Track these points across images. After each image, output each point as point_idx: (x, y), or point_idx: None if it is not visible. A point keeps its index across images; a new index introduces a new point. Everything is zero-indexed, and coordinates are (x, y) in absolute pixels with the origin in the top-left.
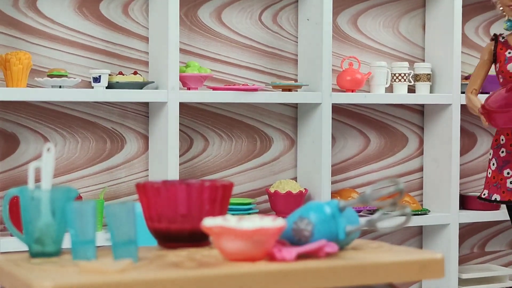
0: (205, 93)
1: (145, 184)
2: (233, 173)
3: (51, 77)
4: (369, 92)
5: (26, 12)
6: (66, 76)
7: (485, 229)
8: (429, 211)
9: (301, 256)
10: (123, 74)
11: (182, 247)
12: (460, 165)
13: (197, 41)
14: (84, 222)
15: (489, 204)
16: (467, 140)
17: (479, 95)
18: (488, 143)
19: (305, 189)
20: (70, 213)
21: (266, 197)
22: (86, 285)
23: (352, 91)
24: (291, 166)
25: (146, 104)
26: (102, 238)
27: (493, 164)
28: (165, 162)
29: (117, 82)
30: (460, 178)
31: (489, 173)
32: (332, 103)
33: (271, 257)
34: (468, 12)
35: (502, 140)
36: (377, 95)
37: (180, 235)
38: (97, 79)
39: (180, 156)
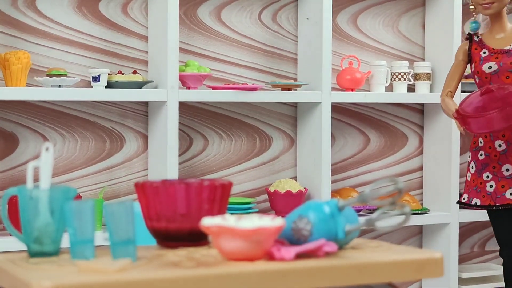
0: (205, 93)
1: (144, 184)
2: (233, 173)
3: (51, 77)
4: (369, 91)
5: (25, 11)
6: (65, 75)
7: (485, 229)
8: (429, 210)
9: (300, 256)
10: (123, 74)
11: (181, 247)
12: (460, 164)
13: (196, 40)
14: (82, 222)
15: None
16: (467, 139)
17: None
18: None
19: (304, 188)
20: (69, 213)
21: (265, 196)
22: (85, 284)
23: (352, 90)
24: (291, 165)
25: (145, 104)
26: (101, 237)
27: (472, 167)
28: (165, 161)
29: (117, 81)
30: (460, 177)
31: (469, 176)
32: (332, 102)
33: (270, 257)
34: (468, 11)
35: (481, 142)
36: (377, 94)
37: (179, 234)
38: (96, 79)
39: (179, 155)
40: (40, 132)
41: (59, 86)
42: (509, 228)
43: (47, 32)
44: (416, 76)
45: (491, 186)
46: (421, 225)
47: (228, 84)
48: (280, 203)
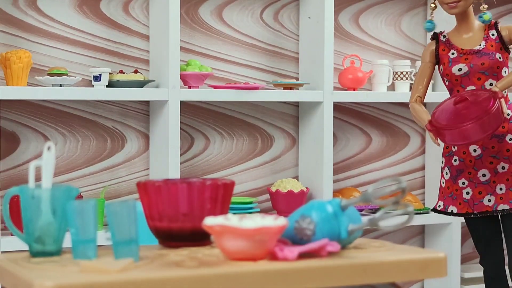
0: (206, 92)
1: (146, 183)
2: (234, 172)
3: (52, 76)
4: (370, 90)
5: (26, 10)
6: (66, 74)
7: None
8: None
9: (303, 255)
10: (124, 73)
11: (183, 246)
12: None
13: (198, 40)
14: (84, 221)
15: None
16: None
17: None
18: None
19: (306, 188)
20: (71, 212)
21: (267, 196)
22: (86, 284)
23: (354, 90)
24: (293, 165)
25: (146, 103)
26: (103, 237)
27: (446, 173)
28: (166, 161)
29: (118, 80)
30: None
31: (443, 183)
32: (334, 102)
33: (272, 256)
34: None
35: (454, 147)
36: (378, 94)
37: (181, 234)
38: (97, 78)
39: (181, 155)
40: (41, 132)
41: (60, 85)
42: (489, 236)
43: (48, 31)
44: None
45: (467, 193)
46: (423, 225)
47: (230, 84)
48: (282, 202)
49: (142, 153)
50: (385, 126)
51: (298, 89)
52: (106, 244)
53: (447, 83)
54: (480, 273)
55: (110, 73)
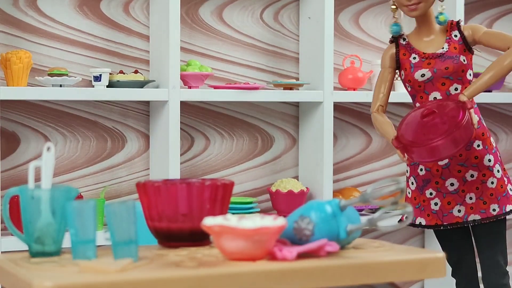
0: (206, 92)
1: (146, 183)
2: (235, 172)
3: (52, 76)
4: (370, 90)
5: (27, 11)
6: (66, 75)
7: None
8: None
9: (302, 256)
10: (124, 73)
11: (183, 247)
12: None
13: (198, 40)
14: (84, 222)
15: None
16: None
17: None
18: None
19: (306, 188)
20: (70, 213)
21: (267, 196)
22: (86, 284)
23: (354, 90)
24: (293, 165)
25: (147, 103)
26: (102, 237)
27: (412, 184)
28: (166, 161)
29: (118, 81)
30: None
31: (409, 193)
32: (334, 102)
33: (271, 257)
34: (471, 10)
35: None
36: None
37: (181, 234)
38: (97, 78)
39: (181, 155)
40: (42, 132)
41: (60, 85)
42: (460, 248)
43: (48, 32)
44: None
45: (436, 204)
46: None
47: (230, 84)
48: (282, 202)
49: (142, 153)
50: None
51: (298, 89)
52: (105, 244)
53: (409, 89)
54: (480, 273)
55: (110, 74)
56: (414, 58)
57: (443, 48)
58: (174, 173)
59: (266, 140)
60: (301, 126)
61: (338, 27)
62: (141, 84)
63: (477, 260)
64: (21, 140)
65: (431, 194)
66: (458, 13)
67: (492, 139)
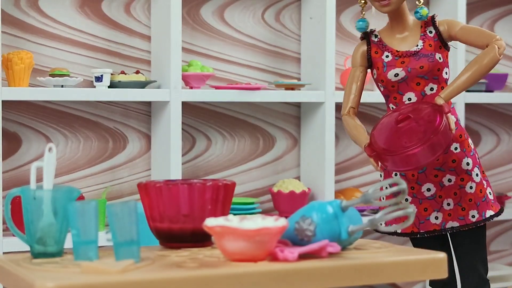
0: (208, 92)
1: (147, 184)
2: (236, 173)
3: (53, 77)
4: (372, 90)
5: (28, 11)
6: (68, 75)
7: (489, 228)
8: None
9: (303, 256)
10: (125, 73)
11: (184, 247)
12: None
13: (199, 40)
14: (86, 222)
15: None
16: (472, 138)
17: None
18: (493, 141)
19: (308, 188)
20: (72, 213)
21: (269, 196)
22: (88, 285)
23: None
24: (294, 165)
25: (148, 104)
26: (104, 238)
27: (386, 188)
28: (168, 161)
29: (119, 81)
30: None
31: (383, 198)
32: (336, 102)
33: (273, 257)
34: (472, 10)
35: None
36: (380, 94)
37: (182, 235)
38: (99, 79)
39: (182, 155)
40: (43, 132)
41: (62, 86)
42: None
43: (49, 32)
44: None
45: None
46: None
47: (231, 84)
48: (284, 203)
49: (144, 154)
50: None
51: (299, 90)
52: (107, 245)
53: (382, 89)
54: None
55: (111, 74)
56: (387, 56)
57: (417, 45)
58: (176, 174)
59: (267, 141)
60: (303, 126)
61: (339, 27)
62: (142, 85)
63: (456, 269)
64: (22, 141)
65: (406, 200)
66: (459, 14)
67: (470, 141)
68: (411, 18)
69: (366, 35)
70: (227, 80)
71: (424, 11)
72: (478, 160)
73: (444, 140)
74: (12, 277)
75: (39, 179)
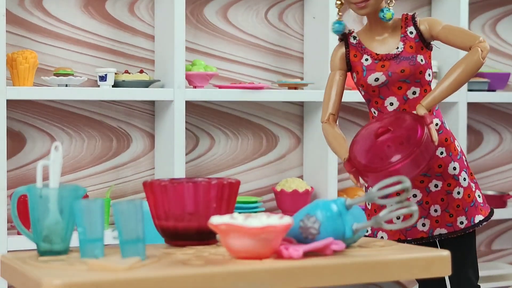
0: (211, 92)
1: (152, 182)
2: (239, 172)
3: (57, 76)
4: None
5: (32, 11)
6: (72, 74)
7: (491, 227)
8: None
9: (308, 254)
10: (129, 73)
11: (189, 245)
12: (468, 162)
13: (203, 40)
14: (92, 220)
15: (496, 202)
16: (474, 137)
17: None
18: (495, 141)
19: (311, 187)
20: (78, 211)
21: (272, 195)
22: (94, 282)
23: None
24: (297, 164)
25: (152, 103)
26: (108, 236)
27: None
28: (171, 160)
29: (123, 80)
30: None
31: (369, 204)
32: None
33: (278, 255)
34: (474, 10)
35: None
36: None
37: (187, 233)
38: (103, 78)
39: (186, 154)
40: (47, 132)
41: (66, 85)
42: None
43: (54, 32)
44: None
45: (398, 217)
46: None
47: (235, 83)
48: (287, 202)
49: (148, 153)
50: None
51: (302, 89)
52: (112, 243)
53: (363, 93)
54: (485, 272)
55: (115, 73)
56: (367, 59)
57: (397, 48)
58: (179, 173)
59: (270, 140)
60: (306, 125)
61: None
62: (146, 84)
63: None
64: (27, 140)
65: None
66: (462, 13)
67: (456, 143)
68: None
69: (345, 37)
70: (230, 79)
71: (389, 13)
72: (465, 163)
73: (426, 153)
74: (19, 275)
75: (44, 178)
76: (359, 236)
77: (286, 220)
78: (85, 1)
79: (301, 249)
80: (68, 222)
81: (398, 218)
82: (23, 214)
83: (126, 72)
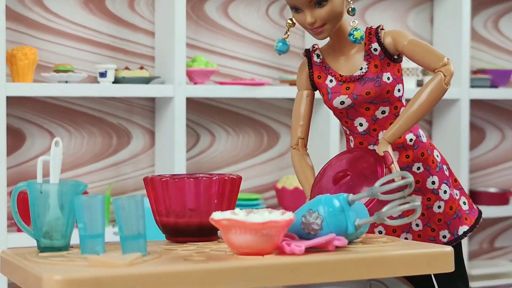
0: (212, 88)
1: (153, 178)
2: (240, 169)
3: (57, 72)
4: None
5: (32, 7)
6: (72, 71)
7: (494, 225)
8: None
9: (310, 250)
10: (129, 69)
11: (190, 242)
12: (469, 160)
13: (203, 36)
14: (92, 216)
15: (498, 199)
16: (476, 134)
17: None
18: (497, 137)
19: None
20: (79, 207)
21: (273, 192)
22: (95, 278)
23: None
24: None
25: (152, 99)
26: (110, 232)
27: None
28: (172, 157)
29: (123, 77)
30: (470, 172)
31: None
32: None
33: (280, 251)
34: (477, 6)
35: None
36: None
37: (189, 229)
38: (103, 74)
39: (186, 151)
40: (47, 128)
41: (66, 82)
42: (413, 281)
43: (54, 28)
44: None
45: (380, 232)
46: None
47: (236, 80)
48: (288, 199)
49: (148, 150)
50: None
51: None
52: (112, 240)
53: (332, 112)
54: (487, 270)
55: (115, 70)
56: (331, 81)
57: (361, 68)
58: (180, 170)
59: (272, 137)
60: None
61: None
62: (146, 80)
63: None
64: (26, 137)
65: (380, 232)
66: (464, 9)
67: (436, 154)
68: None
69: (308, 53)
70: (231, 76)
71: (359, 33)
72: (446, 172)
73: (390, 191)
74: (19, 271)
75: (45, 174)
76: (361, 232)
77: (288, 215)
78: None
79: (303, 245)
80: (69, 218)
81: (380, 232)
82: (23, 210)
83: (126, 68)
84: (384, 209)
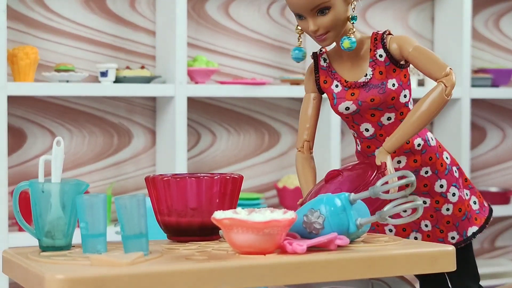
0: (213, 88)
1: (155, 178)
2: (241, 168)
3: (58, 72)
4: None
5: (33, 6)
6: (73, 70)
7: (495, 224)
8: None
9: (312, 249)
10: (130, 69)
11: (192, 241)
12: (470, 159)
13: (204, 35)
14: (94, 215)
15: (499, 199)
16: (477, 134)
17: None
18: (498, 137)
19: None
20: (81, 206)
21: (274, 192)
22: (97, 277)
23: None
24: None
25: (153, 99)
26: (112, 231)
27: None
28: (173, 157)
29: (124, 76)
30: (471, 172)
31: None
32: None
33: (282, 250)
34: (478, 5)
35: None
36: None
37: (190, 228)
38: (104, 74)
39: (187, 151)
40: (48, 128)
41: (67, 81)
42: (425, 280)
43: (55, 27)
44: None
45: (390, 230)
46: None
47: (237, 79)
48: (289, 198)
49: (149, 149)
50: None
51: None
52: (113, 240)
53: (334, 114)
54: (488, 269)
55: (116, 69)
56: (337, 86)
57: (366, 75)
58: (181, 169)
59: (272, 136)
60: None
61: None
62: (147, 80)
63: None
64: (27, 136)
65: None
66: (465, 8)
67: (445, 157)
68: (366, 40)
69: (315, 57)
70: (232, 75)
71: (347, 43)
72: (454, 174)
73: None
74: (21, 270)
75: (46, 174)
76: (363, 231)
77: (290, 214)
78: None
79: (305, 244)
80: (71, 217)
81: (390, 230)
82: (24, 210)
83: (127, 68)
84: (386, 208)
